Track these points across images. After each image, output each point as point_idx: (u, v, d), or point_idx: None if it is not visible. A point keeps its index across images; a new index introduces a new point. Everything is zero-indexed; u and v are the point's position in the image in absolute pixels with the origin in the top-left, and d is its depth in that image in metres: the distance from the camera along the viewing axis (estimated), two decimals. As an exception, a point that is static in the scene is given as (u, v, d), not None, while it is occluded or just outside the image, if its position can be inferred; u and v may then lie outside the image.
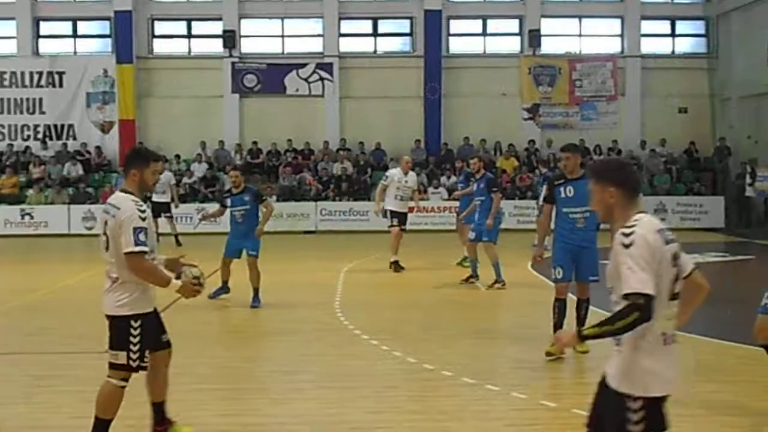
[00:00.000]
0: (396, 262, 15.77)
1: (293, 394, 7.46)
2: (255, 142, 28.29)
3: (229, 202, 12.38)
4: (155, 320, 6.06)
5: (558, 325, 8.76)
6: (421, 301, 12.91)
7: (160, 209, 20.66)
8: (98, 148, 28.14)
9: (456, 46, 29.40)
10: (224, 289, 12.38)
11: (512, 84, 28.86)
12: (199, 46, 29.40)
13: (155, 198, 20.27)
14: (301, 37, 29.25)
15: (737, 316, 10.25)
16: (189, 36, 29.40)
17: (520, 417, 6.89)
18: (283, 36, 29.22)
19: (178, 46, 29.41)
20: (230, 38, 28.36)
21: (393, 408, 7.03)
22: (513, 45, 29.48)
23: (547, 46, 29.31)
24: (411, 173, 16.58)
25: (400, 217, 15.95)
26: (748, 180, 24.92)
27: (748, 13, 27.00)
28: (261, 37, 29.21)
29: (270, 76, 28.48)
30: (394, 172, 16.39)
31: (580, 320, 8.72)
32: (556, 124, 29.13)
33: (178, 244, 20.78)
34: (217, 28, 28.76)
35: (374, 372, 8.28)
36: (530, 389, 7.52)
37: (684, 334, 8.36)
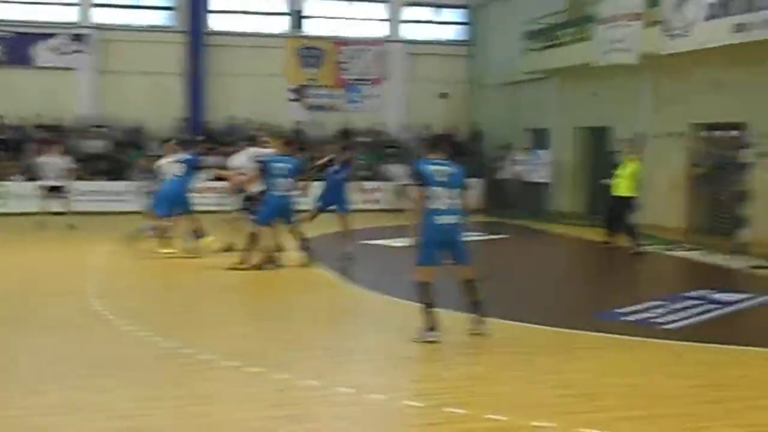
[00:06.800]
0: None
1: (48, 384, 6.79)
2: (0, 116, 26.10)
3: None
4: None
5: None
6: (184, 285, 12.41)
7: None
8: None
9: (220, 23, 28.60)
10: None
11: (279, 64, 28.50)
12: None
13: None
14: (53, 5, 27.36)
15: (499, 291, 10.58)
16: None
17: (284, 397, 6.64)
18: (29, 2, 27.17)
19: None
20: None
21: (154, 393, 6.60)
22: (281, 25, 29.14)
23: (314, 28, 29.23)
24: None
25: None
26: (509, 163, 26.10)
27: (505, 4, 28.17)
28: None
29: (15, 46, 26.41)
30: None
31: None
32: (322, 105, 29.13)
33: None
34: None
35: (133, 358, 7.77)
36: (294, 370, 7.30)
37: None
